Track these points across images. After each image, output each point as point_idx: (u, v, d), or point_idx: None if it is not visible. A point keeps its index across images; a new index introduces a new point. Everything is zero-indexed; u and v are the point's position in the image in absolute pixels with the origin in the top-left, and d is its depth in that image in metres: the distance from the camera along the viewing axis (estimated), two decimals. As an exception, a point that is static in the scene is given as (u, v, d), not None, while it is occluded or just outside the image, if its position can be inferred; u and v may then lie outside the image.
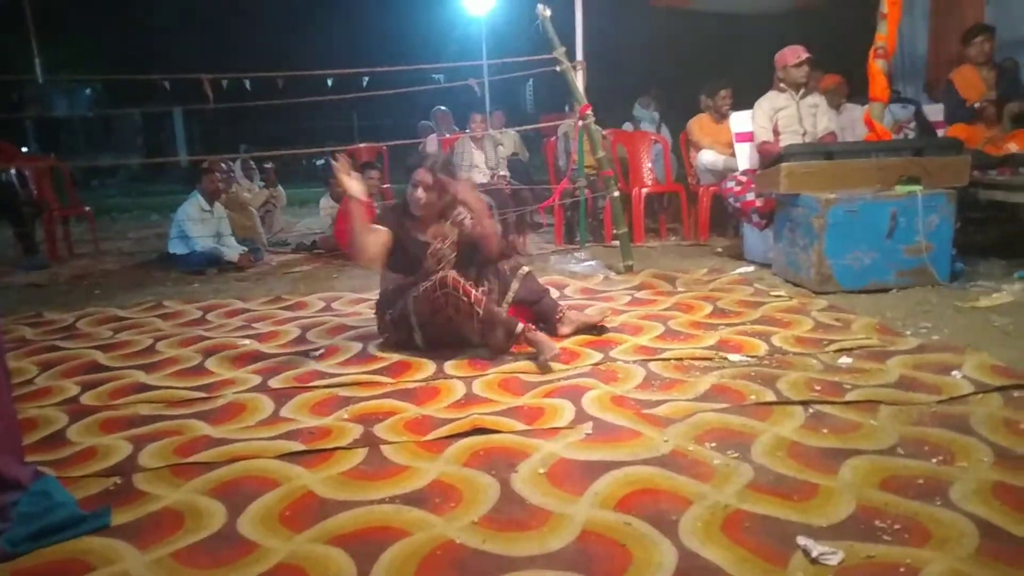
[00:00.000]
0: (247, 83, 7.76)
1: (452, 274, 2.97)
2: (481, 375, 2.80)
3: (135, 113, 12.95)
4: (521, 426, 2.29)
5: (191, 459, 2.13)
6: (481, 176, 6.33)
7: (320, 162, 13.41)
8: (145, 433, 2.36)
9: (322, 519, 1.78)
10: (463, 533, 1.68)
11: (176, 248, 5.69)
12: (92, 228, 6.93)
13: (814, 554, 1.51)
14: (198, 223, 5.66)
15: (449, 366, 2.93)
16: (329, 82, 8.65)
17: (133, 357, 3.24)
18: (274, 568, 1.58)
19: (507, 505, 1.81)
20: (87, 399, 2.72)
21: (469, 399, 2.58)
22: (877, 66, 4.61)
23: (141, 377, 2.94)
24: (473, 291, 2.96)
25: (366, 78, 8.66)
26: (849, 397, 2.41)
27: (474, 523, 1.73)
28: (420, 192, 3.05)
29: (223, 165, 6.67)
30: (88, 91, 14.14)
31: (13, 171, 6.50)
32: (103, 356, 3.26)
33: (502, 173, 6.54)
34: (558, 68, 4.98)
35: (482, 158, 6.41)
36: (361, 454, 2.14)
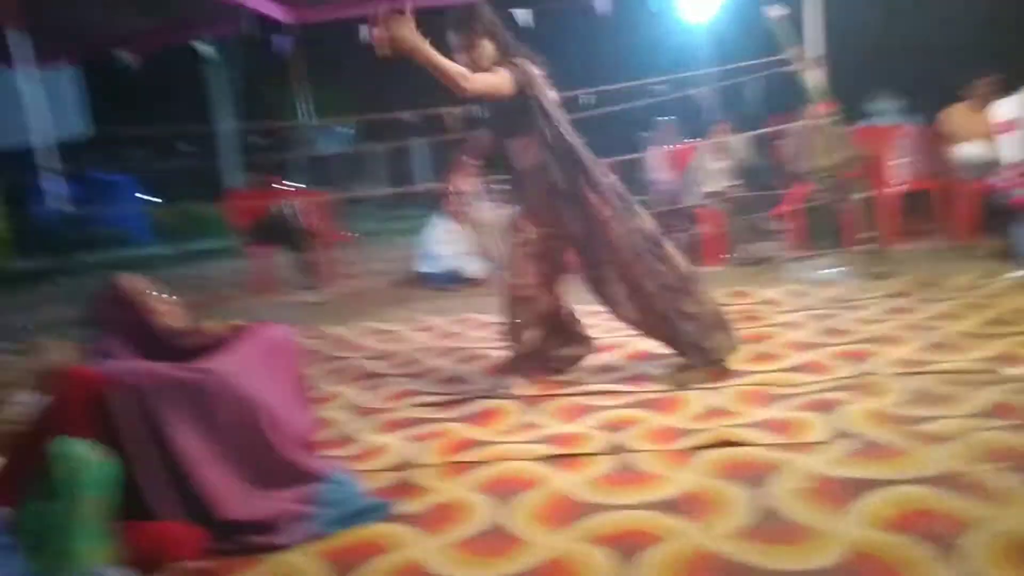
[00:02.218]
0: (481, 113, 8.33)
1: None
2: (722, 387, 2.78)
3: (382, 148, 14.39)
4: (771, 439, 2.24)
5: (459, 458, 2.35)
6: (715, 185, 6.20)
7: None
8: (419, 434, 2.63)
9: (580, 520, 1.88)
10: (720, 543, 1.70)
11: (424, 267, 6.23)
12: (355, 252, 7.78)
13: None
14: (442, 244, 6.16)
15: (690, 377, 2.94)
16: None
17: (400, 366, 3.60)
18: (544, 562, 1.71)
19: (763, 518, 1.80)
20: (368, 402, 3.09)
21: (712, 411, 2.57)
22: None
23: (408, 384, 3.27)
24: (514, 280, 3.00)
25: (581, 98, 8.92)
26: None
27: (730, 534, 1.74)
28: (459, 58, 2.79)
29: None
30: (347, 130, 16.07)
31: (293, 204, 7.49)
32: (375, 365, 3.67)
33: (735, 183, 6.37)
34: (791, 67, 4.78)
35: (717, 167, 6.28)
36: (610, 461, 2.23)
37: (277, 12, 8.61)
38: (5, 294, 7.91)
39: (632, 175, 8.10)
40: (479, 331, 4.21)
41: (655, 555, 1.68)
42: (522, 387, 3.02)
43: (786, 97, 8.29)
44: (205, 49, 8.10)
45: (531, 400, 2.87)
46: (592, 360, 3.30)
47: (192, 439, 1.90)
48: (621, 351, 3.43)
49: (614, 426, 2.51)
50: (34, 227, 12.33)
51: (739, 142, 6.51)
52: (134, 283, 2.17)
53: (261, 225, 7.19)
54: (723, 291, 4.42)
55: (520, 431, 2.57)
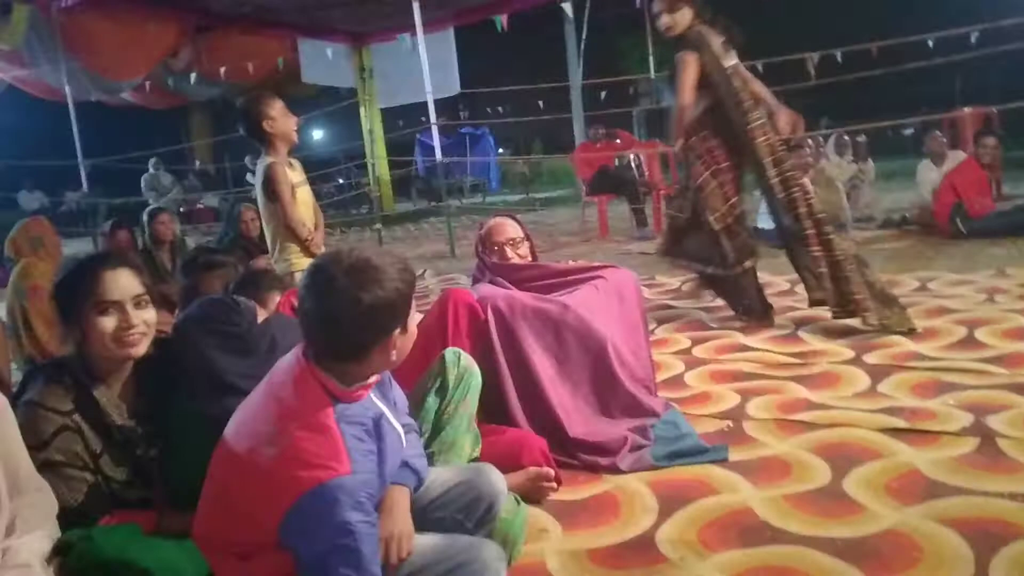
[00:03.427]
0: (838, 56, 7.67)
1: None
2: None
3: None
4: None
5: (794, 417, 2.31)
6: None
7: (909, 132, 12.39)
8: (749, 388, 2.63)
9: (931, 498, 1.76)
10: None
11: (763, 222, 6.00)
12: (689, 204, 7.77)
13: None
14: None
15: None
16: (930, 44, 7.91)
17: (731, 320, 3.57)
18: (884, 532, 1.64)
19: None
20: (698, 352, 3.14)
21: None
22: None
23: (741, 338, 3.25)
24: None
25: (974, 35, 7.65)
26: None
27: None
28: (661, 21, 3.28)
29: (809, 142, 6.71)
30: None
31: (631, 156, 7.70)
32: (706, 316, 3.70)
33: None
34: None
35: None
36: (972, 443, 2.02)
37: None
38: (388, 231, 9.40)
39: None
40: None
41: (1019, 549, 1.51)
42: (875, 356, 2.83)
43: None
44: (567, 7, 8.51)
45: (879, 370, 2.68)
46: (952, 335, 2.97)
47: (547, 362, 2.15)
48: (994, 327, 3.01)
49: (979, 407, 2.24)
50: (413, 175, 14.41)
51: None
52: (502, 226, 2.48)
53: (602, 176, 7.53)
54: None
55: (863, 399, 2.43)
